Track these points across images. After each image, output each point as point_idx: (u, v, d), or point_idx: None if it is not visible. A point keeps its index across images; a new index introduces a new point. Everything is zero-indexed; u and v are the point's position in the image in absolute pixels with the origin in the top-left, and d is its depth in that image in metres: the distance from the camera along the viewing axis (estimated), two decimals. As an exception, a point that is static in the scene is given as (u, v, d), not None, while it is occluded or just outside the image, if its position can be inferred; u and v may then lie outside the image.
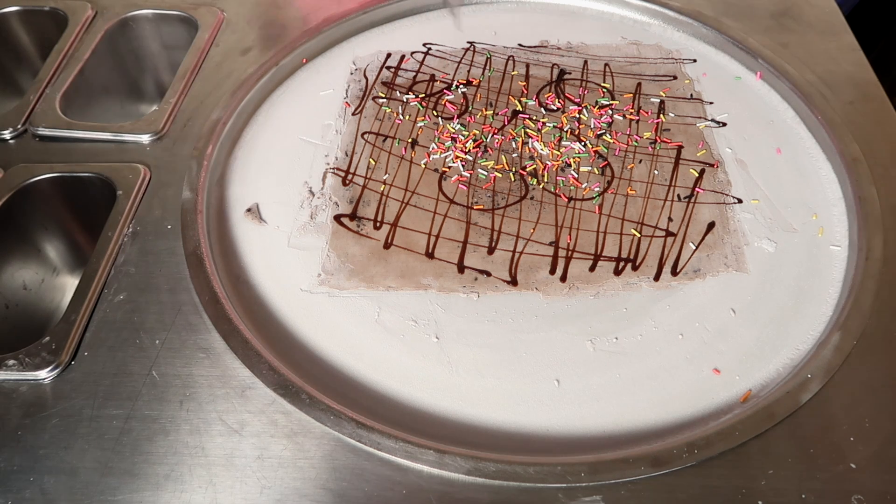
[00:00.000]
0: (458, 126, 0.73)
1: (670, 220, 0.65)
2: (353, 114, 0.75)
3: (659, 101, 0.76)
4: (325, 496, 0.48)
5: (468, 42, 0.84)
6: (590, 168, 0.69)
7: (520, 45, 0.84)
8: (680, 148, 0.71)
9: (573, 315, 0.58)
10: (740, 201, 0.66)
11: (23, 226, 0.70)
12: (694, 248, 0.63)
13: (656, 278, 0.61)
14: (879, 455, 0.49)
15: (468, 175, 0.69)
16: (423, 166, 0.70)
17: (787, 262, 0.62)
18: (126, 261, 0.62)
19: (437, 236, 0.64)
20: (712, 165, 0.69)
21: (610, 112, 0.75)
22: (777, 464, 0.49)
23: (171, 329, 0.57)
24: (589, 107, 0.75)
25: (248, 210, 0.66)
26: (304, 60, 0.82)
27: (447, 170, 0.70)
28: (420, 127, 0.74)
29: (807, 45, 0.80)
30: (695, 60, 0.82)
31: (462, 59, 0.82)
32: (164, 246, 0.63)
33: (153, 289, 0.60)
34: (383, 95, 0.77)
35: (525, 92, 0.78)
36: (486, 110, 0.75)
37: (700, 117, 0.74)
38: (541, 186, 0.68)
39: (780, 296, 0.59)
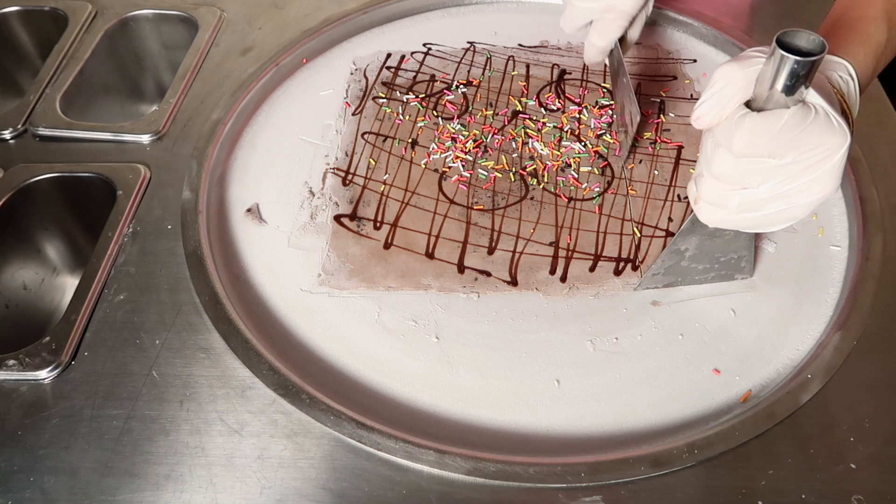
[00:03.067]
0: (459, 126, 0.73)
1: (670, 220, 0.65)
2: (353, 114, 0.75)
3: (659, 101, 0.76)
4: (325, 496, 0.48)
5: (468, 42, 0.84)
6: (590, 168, 0.69)
7: (520, 45, 0.84)
8: (680, 148, 0.71)
9: (573, 315, 0.58)
10: (740, 201, 0.66)
11: (23, 226, 0.70)
12: (694, 248, 0.63)
13: (656, 278, 0.61)
14: (879, 455, 0.49)
15: (468, 175, 0.69)
16: (423, 166, 0.70)
17: (787, 263, 0.62)
18: (126, 261, 0.62)
19: (438, 236, 0.64)
20: (712, 165, 0.69)
21: (610, 112, 0.75)
22: (777, 464, 0.49)
23: (172, 329, 0.57)
24: (589, 107, 0.75)
25: (248, 210, 0.66)
26: (304, 60, 0.82)
27: (447, 170, 0.70)
28: (420, 127, 0.74)
29: (807, 46, 0.80)
30: (695, 60, 0.82)
31: (462, 59, 0.82)
32: (164, 246, 0.63)
33: (153, 289, 0.60)
34: (383, 95, 0.77)
35: (525, 92, 0.78)
36: (486, 110, 0.75)
37: (700, 117, 0.74)
38: (541, 187, 0.68)
39: (780, 296, 0.59)
